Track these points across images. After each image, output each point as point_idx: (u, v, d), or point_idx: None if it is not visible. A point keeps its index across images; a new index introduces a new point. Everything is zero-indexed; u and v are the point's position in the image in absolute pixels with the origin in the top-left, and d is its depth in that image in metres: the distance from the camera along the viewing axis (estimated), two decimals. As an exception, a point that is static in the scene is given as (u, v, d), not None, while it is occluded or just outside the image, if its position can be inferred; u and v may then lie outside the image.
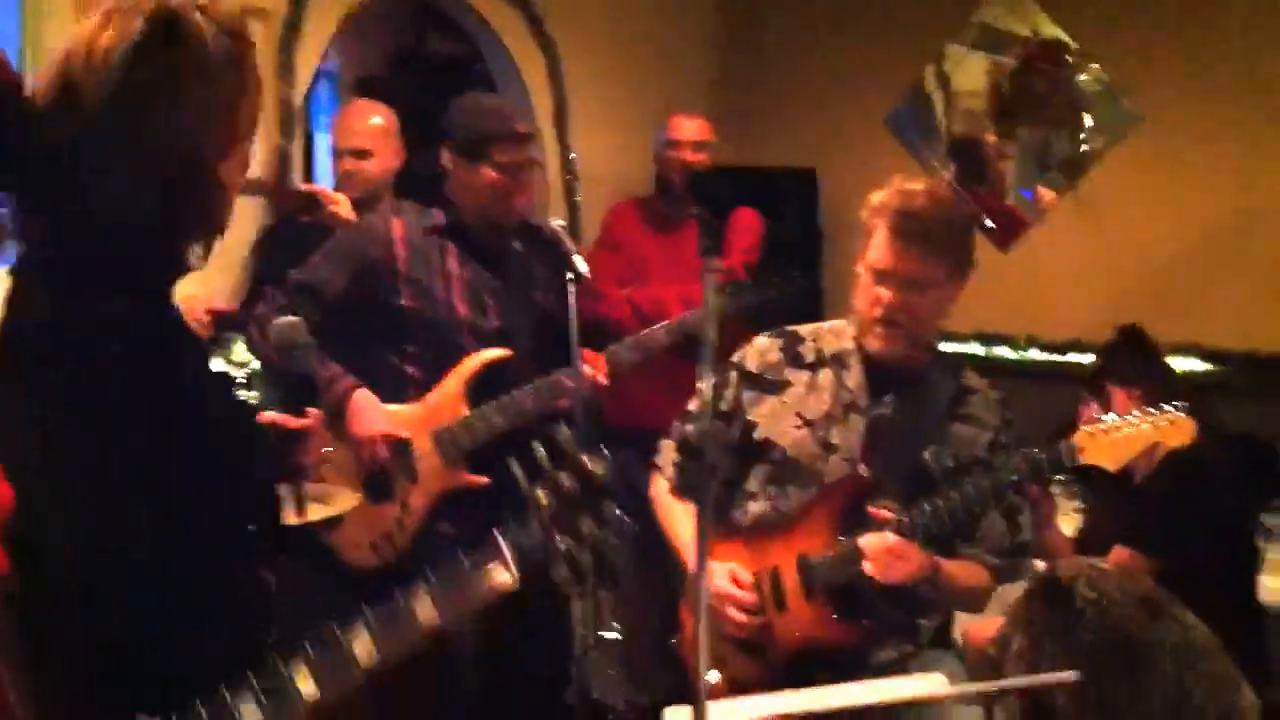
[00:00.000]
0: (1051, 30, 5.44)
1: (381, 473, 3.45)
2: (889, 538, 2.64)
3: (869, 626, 2.77)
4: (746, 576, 2.79)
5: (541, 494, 1.59)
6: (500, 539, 1.56)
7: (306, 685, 1.40)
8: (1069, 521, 3.98)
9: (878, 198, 2.76)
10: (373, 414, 3.40)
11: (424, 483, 3.47)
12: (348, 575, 3.46)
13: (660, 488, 3.05)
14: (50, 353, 1.55)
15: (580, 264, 3.09)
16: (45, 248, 1.63)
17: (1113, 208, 5.33)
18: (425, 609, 1.49)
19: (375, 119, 4.23)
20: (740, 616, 2.77)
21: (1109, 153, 5.33)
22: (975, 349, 5.32)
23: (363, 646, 1.45)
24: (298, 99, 4.56)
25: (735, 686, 2.77)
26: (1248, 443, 4.09)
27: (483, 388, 3.51)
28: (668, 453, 3.05)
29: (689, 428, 2.97)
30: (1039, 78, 5.50)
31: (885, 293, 2.73)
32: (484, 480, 3.44)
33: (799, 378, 2.88)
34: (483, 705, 3.65)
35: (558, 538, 1.57)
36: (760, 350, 2.93)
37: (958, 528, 2.74)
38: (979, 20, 5.62)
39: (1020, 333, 5.38)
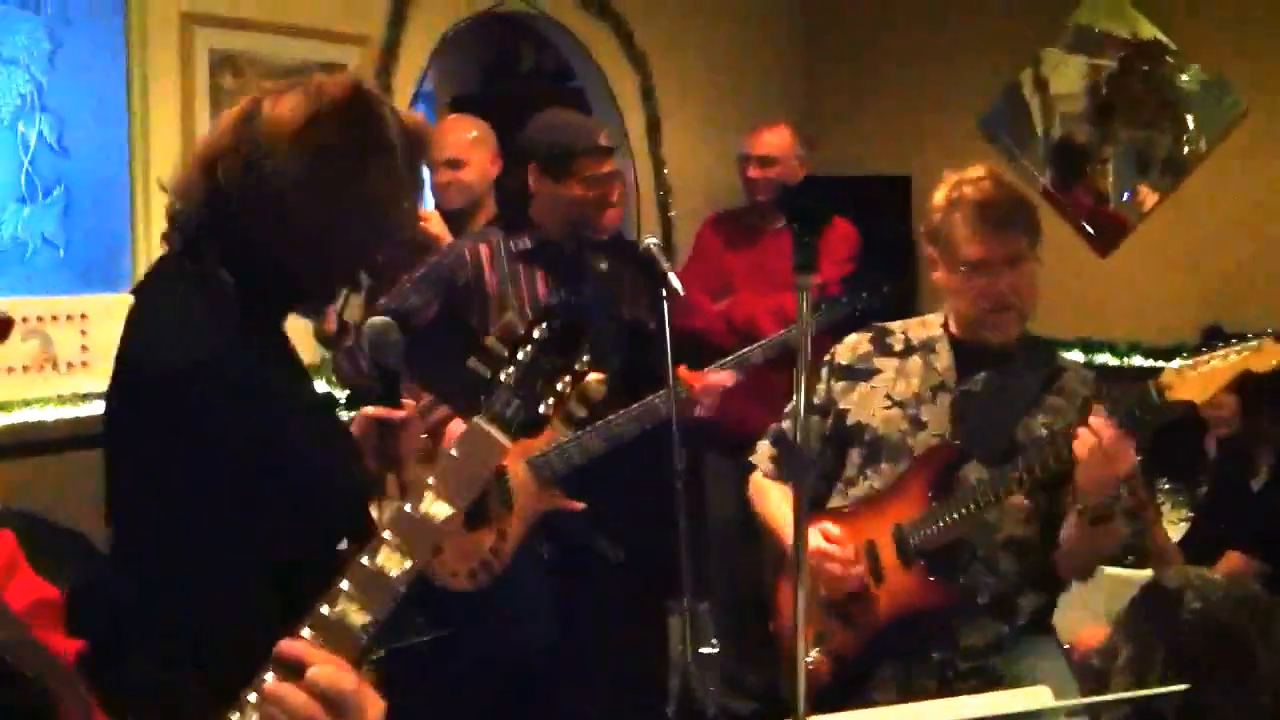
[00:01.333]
0: (1150, 31, 5.36)
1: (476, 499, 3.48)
2: (1102, 427, 2.53)
3: (967, 587, 2.77)
4: (836, 531, 2.79)
5: (508, 374, 1.59)
6: (480, 418, 1.56)
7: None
8: (1175, 529, 3.91)
9: (943, 197, 2.79)
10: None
11: (520, 509, 3.48)
12: (444, 598, 3.52)
13: (756, 479, 3.08)
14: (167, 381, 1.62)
15: (675, 282, 3.10)
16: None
17: (1211, 208, 5.23)
18: (438, 506, 1.48)
19: (469, 132, 4.30)
20: (837, 570, 2.76)
21: (1211, 153, 5.24)
22: (1077, 356, 5.24)
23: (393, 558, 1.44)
24: (396, 121, 4.63)
25: (835, 659, 2.84)
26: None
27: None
28: (763, 450, 3.08)
29: (785, 424, 3.01)
30: (1138, 79, 5.42)
31: (988, 282, 2.74)
32: (579, 505, 3.46)
33: (888, 364, 2.91)
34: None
35: (539, 402, 1.59)
36: (851, 345, 2.98)
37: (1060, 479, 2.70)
38: (1075, 23, 5.55)
39: (1121, 338, 5.29)
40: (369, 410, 1.98)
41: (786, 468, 2.98)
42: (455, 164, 4.22)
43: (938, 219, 2.78)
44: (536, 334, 1.61)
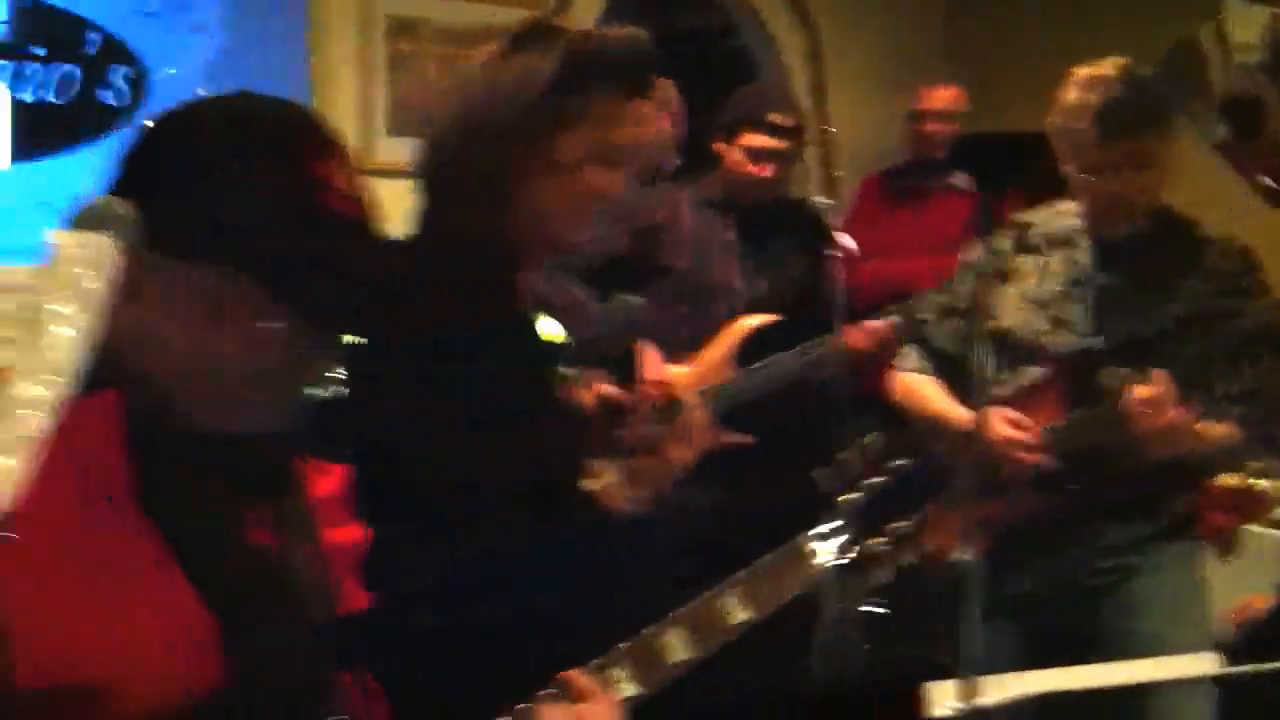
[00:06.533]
0: (1337, -21, 5.18)
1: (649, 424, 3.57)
2: (1159, 379, 2.55)
3: (1103, 496, 2.76)
4: (1020, 417, 2.77)
5: (851, 498, 1.62)
6: (807, 540, 1.60)
7: (627, 687, 1.46)
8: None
9: (1072, 97, 2.72)
10: (650, 362, 3.54)
11: (690, 440, 3.55)
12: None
13: (900, 380, 3.05)
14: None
15: (845, 240, 3.13)
16: None
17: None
18: (734, 606, 1.54)
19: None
20: (1026, 456, 2.75)
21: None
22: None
23: (679, 642, 1.50)
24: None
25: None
26: None
27: (745, 353, 3.61)
28: (907, 352, 3.06)
29: (928, 328, 3.01)
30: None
31: (1113, 184, 2.70)
32: (747, 439, 3.52)
33: (1027, 262, 2.87)
34: (716, 675, 3.73)
35: (870, 541, 1.61)
36: (989, 243, 2.95)
37: (1192, 383, 2.65)
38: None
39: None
40: (601, 388, 1.96)
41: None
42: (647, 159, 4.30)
43: (1066, 120, 2.73)
44: (893, 469, 1.62)
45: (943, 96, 4.82)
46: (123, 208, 1.16)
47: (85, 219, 1.20)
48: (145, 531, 1.18)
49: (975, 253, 2.95)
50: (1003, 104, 5.64)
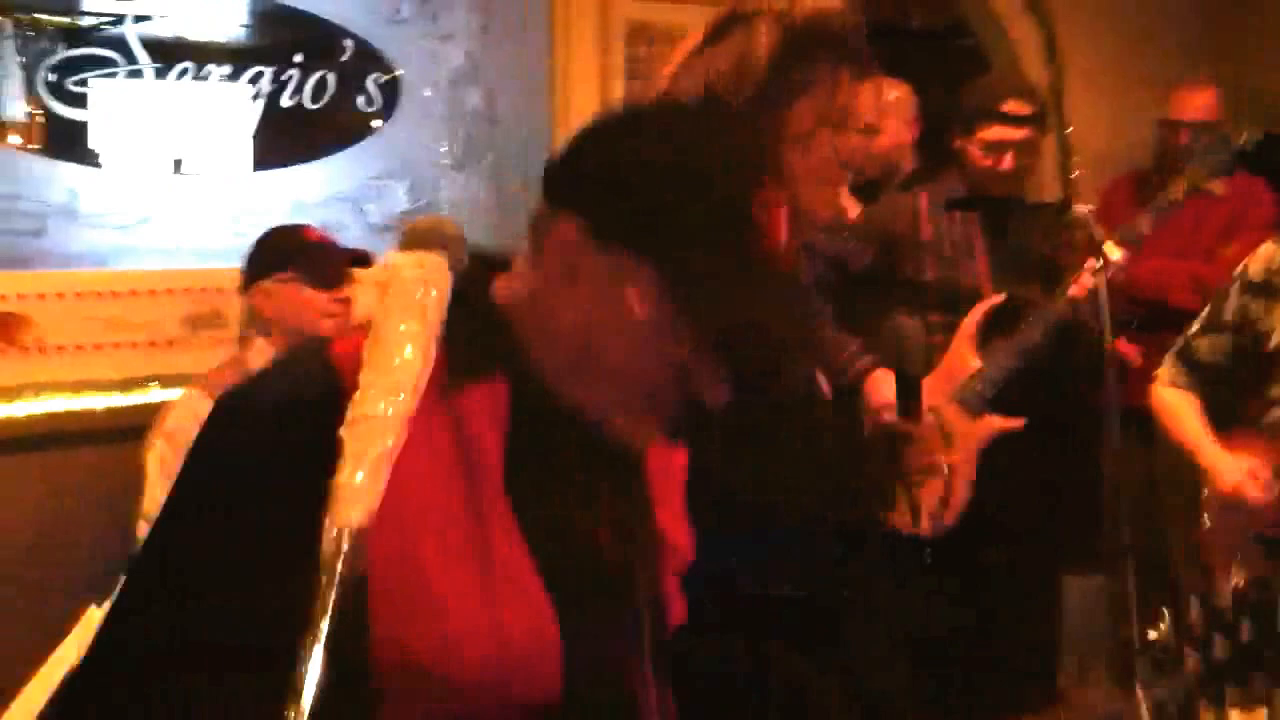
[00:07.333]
0: None
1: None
2: None
3: None
4: (1264, 474, 2.75)
5: (1191, 656, 1.59)
6: (1141, 693, 1.61)
7: None
8: None
9: None
10: (886, 390, 3.47)
11: (960, 443, 3.48)
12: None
13: (1160, 394, 3.07)
14: None
15: (1112, 252, 3.03)
16: None
17: None
18: None
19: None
20: (1260, 512, 2.73)
21: None
22: None
23: None
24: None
25: (1252, 583, 2.75)
26: None
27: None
28: (1169, 365, 3.06)
29: (1193, 341, 3.00)
30: None
31: None
32: (1017, 422, 3.41)
33: None
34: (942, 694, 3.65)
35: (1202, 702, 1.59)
36: (1264, 257, 2.88)
37: None
38: None
39: None
40: (886, 419, 1.91)
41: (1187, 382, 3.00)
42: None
43: None
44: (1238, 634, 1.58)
45: (1197, 105, 4.59)
46: (452, 227, 1.17)
47: (417, 238, 1.21)
48: (512, 524, 1.18)
49: (1250, 266, 2.86)
50: (1264, 102, 5.42)
